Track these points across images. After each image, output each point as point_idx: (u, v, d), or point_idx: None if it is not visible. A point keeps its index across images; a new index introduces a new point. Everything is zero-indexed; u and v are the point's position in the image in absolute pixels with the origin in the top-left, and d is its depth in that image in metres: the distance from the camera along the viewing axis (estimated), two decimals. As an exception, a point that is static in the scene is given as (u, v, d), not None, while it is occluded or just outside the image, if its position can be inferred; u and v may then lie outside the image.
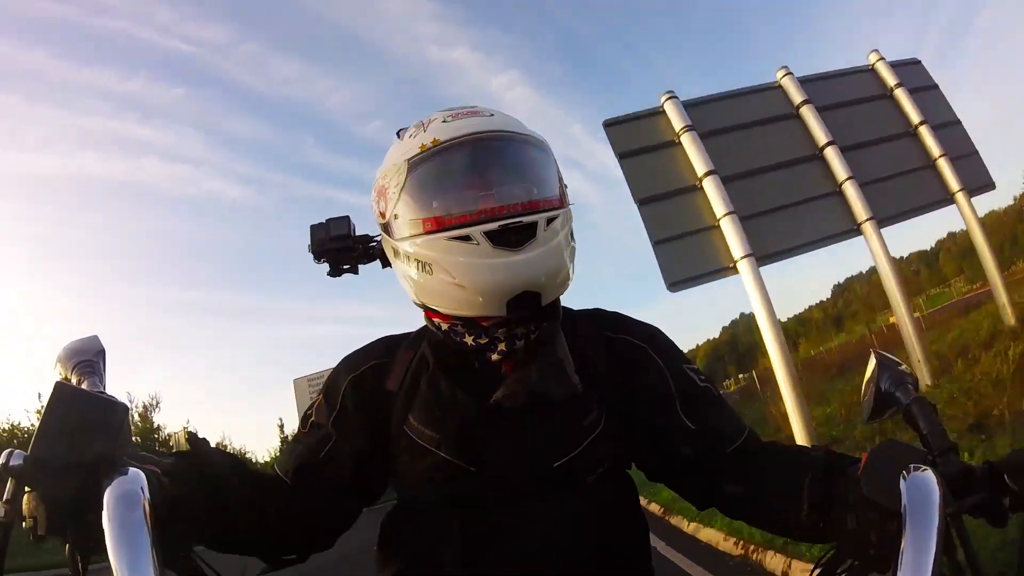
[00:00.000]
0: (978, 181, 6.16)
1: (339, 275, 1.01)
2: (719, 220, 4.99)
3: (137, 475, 0.55)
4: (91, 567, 0.56)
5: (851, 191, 5.35)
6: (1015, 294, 6.66)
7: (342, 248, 0.99)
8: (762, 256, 4.96)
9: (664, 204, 5.12)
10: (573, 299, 0.92)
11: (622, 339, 0.88)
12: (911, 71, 6.49)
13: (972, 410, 4.42)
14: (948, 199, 5.90)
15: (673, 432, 0.81)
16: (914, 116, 6.05)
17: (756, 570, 3.84)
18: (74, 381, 0.66)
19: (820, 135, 5.58)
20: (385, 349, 0.90)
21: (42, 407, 0.58)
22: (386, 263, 0.94)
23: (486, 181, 0.79)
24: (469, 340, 0.83)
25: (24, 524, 0.54)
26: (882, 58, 6.35)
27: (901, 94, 6.16)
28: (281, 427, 22.57)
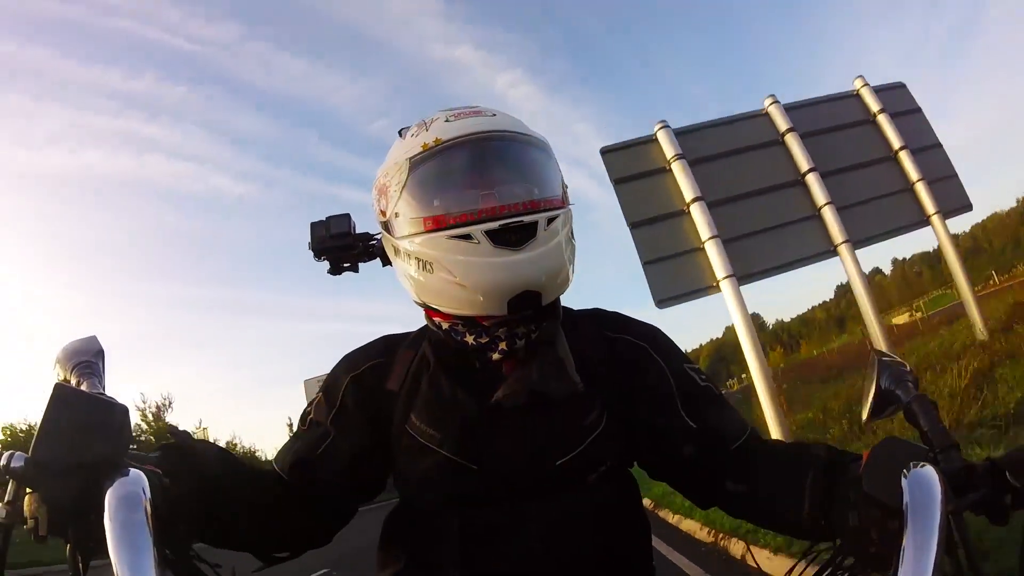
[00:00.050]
0: (955, 203, 6.49)
1: (339, 273, 1.01)
2: (704, 243, 5.37)
3: (138, 476, 0.54)
4: (91, 565, 0.56)
5: (829, 215, 5.70)
6: (1005, 300, 6.73)
7: (342, 246, 0.98)
8: (743, 276, 5.34)
9: (654, 227, 5.48)
10: (574, 299, 0.92)
11: (622, 339, 0.88)
12: (895, 95, 6.82)
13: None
14: (924, 221, 6.26)
15: (674, 431, 0.81)
16: (895, 141, 6.38)
17: (722, 554, 4.42)
18: (73, 382, 0.65)
19: (803, 162, 5.92)
20: (385, 348, 0.90)
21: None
22: (386, 261, 0.94)
23: (487, 180, 0.79)
24: (470, 339, 0.83)
25: (25, 525, 0.54)
26: (867, 84, 6.70)
27: (884, 119, 6.49)
28: (290, 427, 22.78)
